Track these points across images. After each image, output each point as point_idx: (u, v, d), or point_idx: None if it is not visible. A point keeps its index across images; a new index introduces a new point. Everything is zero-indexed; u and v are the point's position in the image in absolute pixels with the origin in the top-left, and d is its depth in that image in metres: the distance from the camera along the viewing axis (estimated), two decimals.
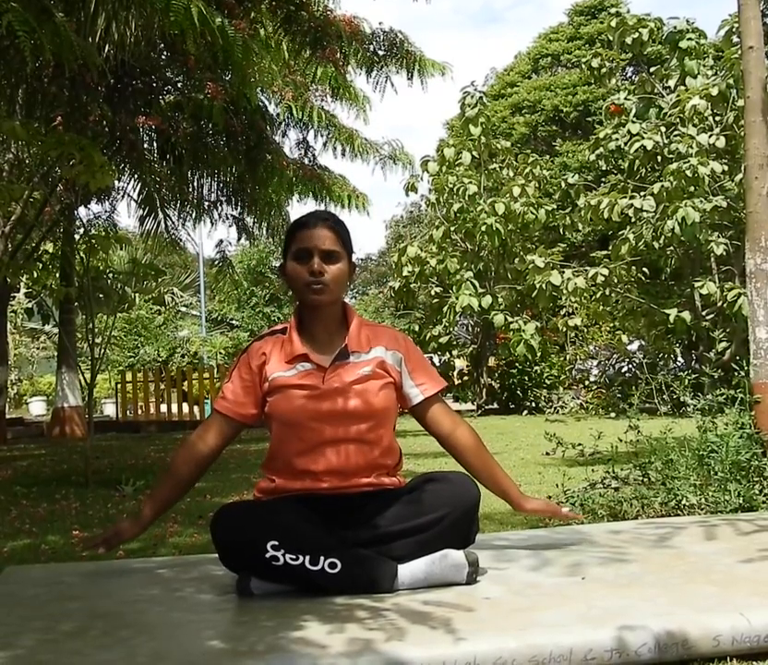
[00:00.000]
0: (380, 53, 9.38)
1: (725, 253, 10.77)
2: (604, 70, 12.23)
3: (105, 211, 11.69)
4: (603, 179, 14.24)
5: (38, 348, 21.91)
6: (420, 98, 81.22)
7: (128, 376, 14.76)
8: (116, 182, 10.11)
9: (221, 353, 20.46)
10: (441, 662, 1.76)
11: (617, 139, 11.63)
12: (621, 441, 3.98)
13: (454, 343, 14.75)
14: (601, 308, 11.89)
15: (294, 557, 2.18)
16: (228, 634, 1.99)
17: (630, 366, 13.29)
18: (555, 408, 12.75)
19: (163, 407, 13.95)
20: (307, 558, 2.18)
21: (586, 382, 14.11)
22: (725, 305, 10.45)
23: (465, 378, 15.03)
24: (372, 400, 2.35)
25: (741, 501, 3.35)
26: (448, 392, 15.64)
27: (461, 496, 2.33)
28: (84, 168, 5.30)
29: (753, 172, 3.82)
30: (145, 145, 9.68)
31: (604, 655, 1.81)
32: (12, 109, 7.35)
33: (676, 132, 11.01)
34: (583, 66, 12.95)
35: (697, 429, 3.72)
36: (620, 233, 11.45)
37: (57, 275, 11.01)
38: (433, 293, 14.35)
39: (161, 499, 2.49)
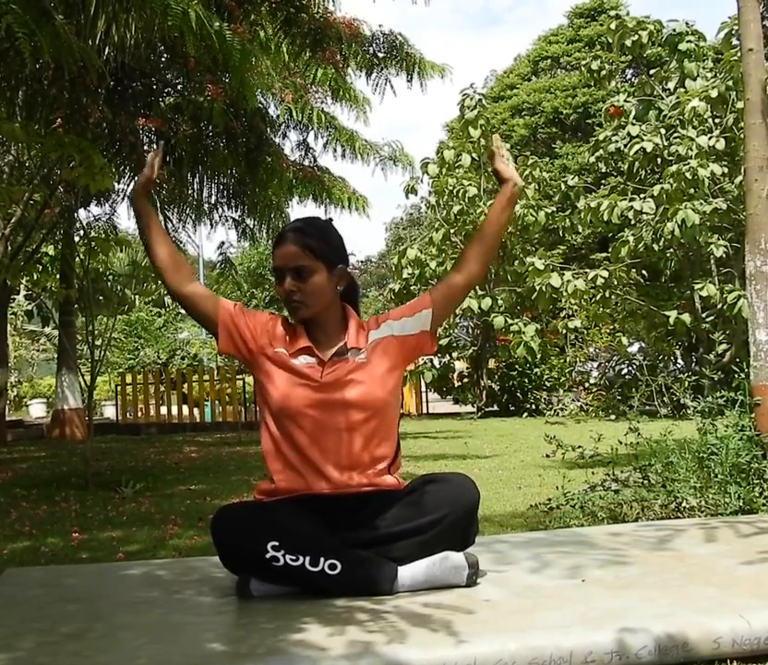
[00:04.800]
0: (380, 55, 9.38)
1: (724, 255, 10.78)
2: (603, 72, 12.25)
3: (105, 214, 11.69)
4: (603, 181, 14.26)
5: (38, 350, 21.88)
6: (420, 99, 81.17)
7: (128, 378, 14.76)
8: (116, 184, 10.09)
9: (220, 355, 20.43)
10: (441, 664, 1.76)
11: (616, 142, 11.65)
12: (621, 443, 3.98)
13: (454, 345, 14.76)
14: (601, 310, 11.89)
15: (294, 557, 2.18)
16: (228, 636, 1.99)
17: (630, 368, 13.28)
18: (555, 410, 12.74)
19: (163, 409, 13.96)
20: (307, 559, 2.18)
21: (586, 384, 14.13)
22: (725, 307, 10.46)
23: (465, 380, 15.02)
24: (370, 390, 2.35)
25: (741, 504, 3.35)
26: (448, 394, 15.64)
27: (460, 497, 2.33)
28: (84, 170, 5.31)
29: (753, 174, 3.82)
30: (145, 147, 9.68)
31: (604, 657, 1.81)
32: (12, 111, 7.35)
33: (675, 134, 11.02)
34: (583, 68, 12.97)
35: (697, 432, 3.72)
36: (620, 235, 11.46)
37: (57, 277, 11.05)
38: None
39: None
